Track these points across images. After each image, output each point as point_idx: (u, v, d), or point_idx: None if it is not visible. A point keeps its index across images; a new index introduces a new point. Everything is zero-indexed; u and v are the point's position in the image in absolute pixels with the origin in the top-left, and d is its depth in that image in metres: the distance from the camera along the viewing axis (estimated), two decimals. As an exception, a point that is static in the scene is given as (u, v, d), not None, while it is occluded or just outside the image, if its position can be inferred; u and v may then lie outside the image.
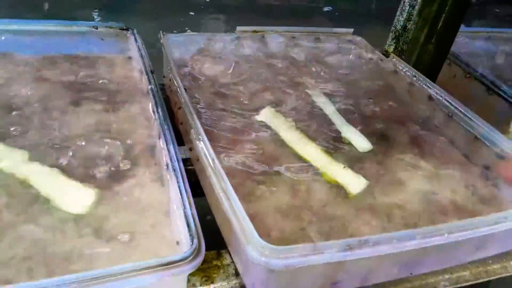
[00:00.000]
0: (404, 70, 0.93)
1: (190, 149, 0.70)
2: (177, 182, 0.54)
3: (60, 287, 0.40)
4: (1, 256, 0.47)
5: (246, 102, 0.80)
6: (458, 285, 0.69)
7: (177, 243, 0.51)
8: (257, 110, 0.78)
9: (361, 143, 0.74)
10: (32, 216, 0.52)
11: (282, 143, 0.71)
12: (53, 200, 0.54)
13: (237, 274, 0.56)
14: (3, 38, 0.79)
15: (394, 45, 1.01)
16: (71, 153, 0.61)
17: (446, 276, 0.68)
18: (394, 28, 1.01)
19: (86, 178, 0.58)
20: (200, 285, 0.54)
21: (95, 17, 1.77)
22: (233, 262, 0.57)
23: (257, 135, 0.72)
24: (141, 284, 0.42)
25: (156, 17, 1.87)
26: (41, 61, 0.80)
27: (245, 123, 0.74)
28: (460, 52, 1.06)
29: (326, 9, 2.33)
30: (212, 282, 0.55)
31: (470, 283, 0.70)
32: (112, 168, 0.60)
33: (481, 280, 0.70)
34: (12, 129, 0.64)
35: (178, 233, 0.51)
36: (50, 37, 0.81)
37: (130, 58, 0.86)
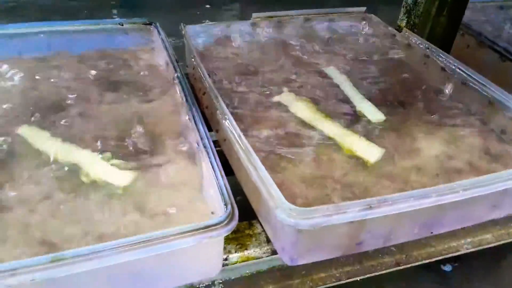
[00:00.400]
0: (417, 43, 0.95)
1: (217, 131, 0.74)
2: (209, 157, 0.58)
3: (112, 251, 0.44)
4: (59, 232, 0.52)
5: (266, 83, 0.83)
6: (481, 247, 0.72)
7: (212, 213, 0.55)
8: (276, 90, 0.81)
9: (375, 115, 0.77)
10: (81, 195, 0.57)
11: (301, 120, 0.74)
12: (98, 181, 0.59)
13: (268, 241, 0.60)
14: (39, 37, 0.84)
15: (406, 19, 1.03)
16: (110, 138, 0.67)
17: (469, 240, 0.71)
18: (405, 3, 1.02)
19: (124, 160, 0.63)
20: (235, 252, 0.59)
21: (115, 14, 1.82)
22: (264, 231, 0.61)
23: (277, 114, 0.75)
24: (182, 246, 0.47)
25: (172, 12, 1.91)
26: (73, 58, 0.86)
27: (266, 103, 0.78)
28: (472, 22, 1.07)
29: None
30: (246, 249, 0.59)
31: (493, 245, 0.72)
32: (148, 151, 0.65)
33: (503, 242, 0.72)
34: (57, 120, 0.70)
35: (213, 204, 0.55)
36: (80, 36, 0.87)
37: (154, 50, 0.90)
